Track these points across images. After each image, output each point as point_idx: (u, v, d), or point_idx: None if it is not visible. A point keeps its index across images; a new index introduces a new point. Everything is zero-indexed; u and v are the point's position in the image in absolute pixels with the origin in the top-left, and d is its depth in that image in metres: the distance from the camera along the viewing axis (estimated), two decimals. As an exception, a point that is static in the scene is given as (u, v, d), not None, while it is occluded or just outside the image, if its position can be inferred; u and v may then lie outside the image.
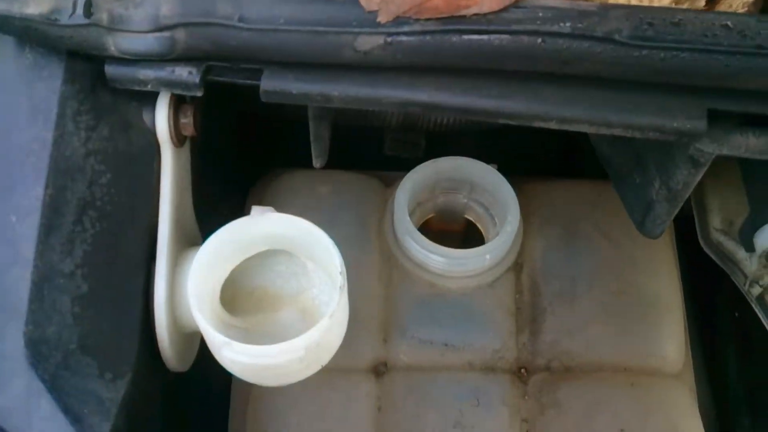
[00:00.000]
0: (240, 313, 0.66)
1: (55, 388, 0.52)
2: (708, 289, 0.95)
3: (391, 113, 0.86)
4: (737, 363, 0.93)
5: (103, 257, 0.58)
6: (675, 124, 0.53)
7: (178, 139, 0.65)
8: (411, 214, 0.81)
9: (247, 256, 0.64)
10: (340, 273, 0.58)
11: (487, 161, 0.83)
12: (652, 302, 0.80)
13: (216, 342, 0.55)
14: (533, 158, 1.09)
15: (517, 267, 0.83)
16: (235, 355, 0.55)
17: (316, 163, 0.69)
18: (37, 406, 0.51)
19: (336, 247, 0.59)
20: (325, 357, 0.60)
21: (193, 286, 0.57)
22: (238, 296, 0.67)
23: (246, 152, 0.96)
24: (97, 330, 0.57)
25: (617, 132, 0.55)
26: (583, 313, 0.79)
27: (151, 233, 0.64)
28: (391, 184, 0.87)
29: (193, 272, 0.57)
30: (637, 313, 0.79)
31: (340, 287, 0.57)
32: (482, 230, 0.87)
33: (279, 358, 0.55)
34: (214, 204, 0.79)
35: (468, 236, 0.88)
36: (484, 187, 0.84)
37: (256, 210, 0.61)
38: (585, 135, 0.76)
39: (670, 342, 0.78)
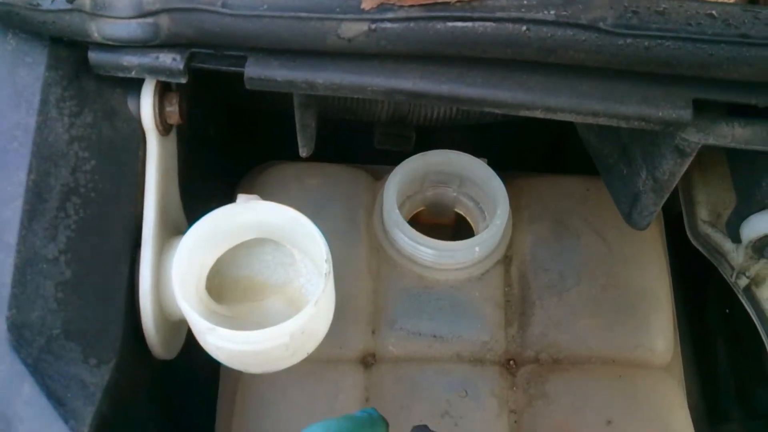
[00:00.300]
0: (226, 302, 0.66)
1: (38, 372, 0.52)
2: (698, 286, 0.95)
3: (381, 107, 0.86)
4: (727, 358, 0.93)
5: (87, 243, 0.58)
6: (660, 114, 0.53)
7: (163, 127, 0.65)
8: (400, 207, 0.80)
9: (233, 244, 0.63)
10: (326, 260, 0.58)
11: (477, 156, 0.83)
12: (640, 295, 0.79)
13: (201, 328, 0.55)
14: (522, 154, 1.09)
15: (506, 260, 0.83)
16: (219, 341, 0.55)
17: (302, 152, 0.69)
18: (19, 389, 0.51)
19: (322, 235, 0.59)
20: (311, 345, 0.60)
21: (177, 272, 0.57)
22: (224, 285, 0.67)
23: (236, 145, 0.96)
24: (81, 316, 0.57)
25: (602, 121, 0.55)
26: (571, 306, 0.79)
27: (136, 221, 0.64)
28: (380, 177, 0.87)
29: (178, 258, 0.57)
30: (626, 305, 0.79)
31: (326, 274, 0.57)
32: (472, 224, 0.87)
33: (264, 344, 0.55)
34: (203, 195, 0.78)
35: (457, 230, 0.88)
36: (474, 180, 0.83)
37: (241, 198, 0.61)
38: (574, 129, 0.76)
39: (659, 335, 0.78)
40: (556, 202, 0.86)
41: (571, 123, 0.74)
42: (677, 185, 0.74)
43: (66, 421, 0.52)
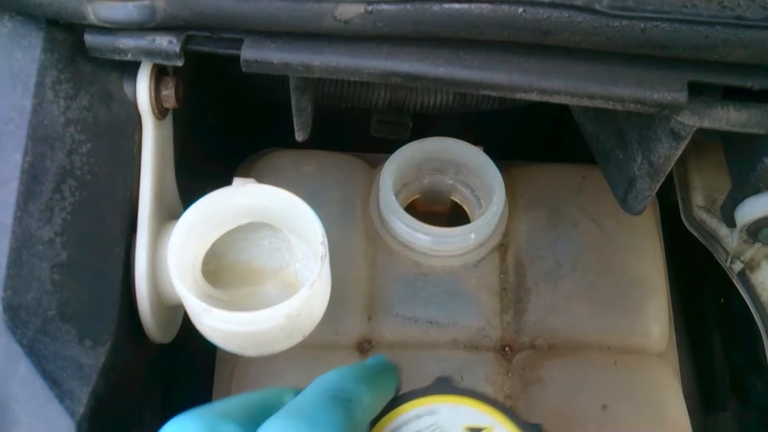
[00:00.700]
0: (222, 287, 0.66)
1: (33, 352, 0.52)
2: (695, 277, 0.96)
3: (377, 94, 0.86)
4: (722, 348, 0.94)
5: (82, 226, 0.58)
6: (656, 96, 0.53)
7: (159, 111, 0.65)
8: (397, 195, 0.80)
9: (230, 228, 0.63)
10: (321, 243, 0.58)
11: (474, 144, 0.83)
12: (636, 282, 0.80)
13: (196, 309, 0.55)
14: (520, 142, 1.10)
15: (501, 248, 0.83)
16: (215, 322, 0.55)
17: (299, 136, 0.69)
18: (15, 369, 0.51)
19: (318, 217, 0.59)
20: (308, 327, 0.60)
21: (173, 254, 0.57)
22: (220, 270, 0.67)
23: (233, 133, 0.96)
24: (77, 298, 0.57)
25: (598, 104, 0.55)
26: (567, 293, 0.79)
27: (132, 205, 0.64)
28: (377, 165, 0.87)
29: (174, 239, 0.57)
30: (622, 292, 0.79)
31: (321, 257, 0.57)
32: (468, 212, 0.87)
33: (259, 325, 0.55)
34: (199, 182, 0.78)
35: (453, 219, 0.88)
36: (470, 168, 0.83)
37: (237, 181, 0.61)
38: (571, 118, 0.76)
39: (654, 321, 0.78)
40: (553, 191, 0.86)
41: (568, 112, 0.74)
42: (673, 172, 0.74)
43: (61, 401, 0.52)
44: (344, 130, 0.94)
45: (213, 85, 0.85)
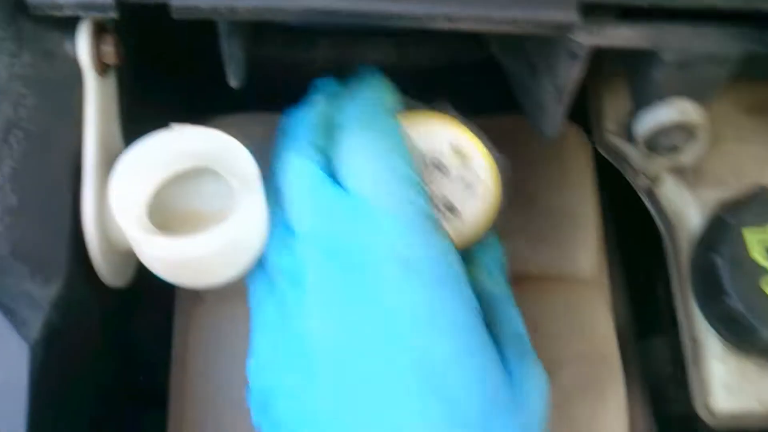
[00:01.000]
0: (168, 233, 0.69)
1: None
2: (637, 220, 1.00)
3: (319, 52, 0.90)
4: (663, 284, 0.98)
5: (30, 174, 0.62)
6: (551, 17, 0.57)
7: (100, 67, 0.68)
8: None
9: (171, 172, 0.67)
10: (254, 177, 0.61)
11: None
12: (568, 216, 0.84)
13: (137, 238, 0.59)
14: (474, 101, 1.13)
15: (444, 194, 0.87)
16: (153, 250, 0.59)
17: (232, 82, 0.73)
18: None
19: (251, 155, 0.63)
20: (244, 258, 0.64)
21: (114, 192, 0.60)
22: (166, 220, 0.70)
23: (183, 95, 1.00)
24: (28, 239, 0.60)
25: (503, 29, 0.59)
26: (505, 229, 0.83)
27: (78, 156, 0.67)
28: (325, 124, 0.91)
29: (115, 178, 0.61)
30: (554, 225, 0.84)
31: (253, 188, 0.61)
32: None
33: (195, 251, 0.59)
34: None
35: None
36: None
37: (175, 125, 0.65)
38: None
39: (584, 251, 0.83)
40: (494, 140, 0.90)
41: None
42: (589, 106, 0.79)
43: (16, 328, 0.56)
44: (290, 92, 0.97)
45: (159, 46, 0.89)
